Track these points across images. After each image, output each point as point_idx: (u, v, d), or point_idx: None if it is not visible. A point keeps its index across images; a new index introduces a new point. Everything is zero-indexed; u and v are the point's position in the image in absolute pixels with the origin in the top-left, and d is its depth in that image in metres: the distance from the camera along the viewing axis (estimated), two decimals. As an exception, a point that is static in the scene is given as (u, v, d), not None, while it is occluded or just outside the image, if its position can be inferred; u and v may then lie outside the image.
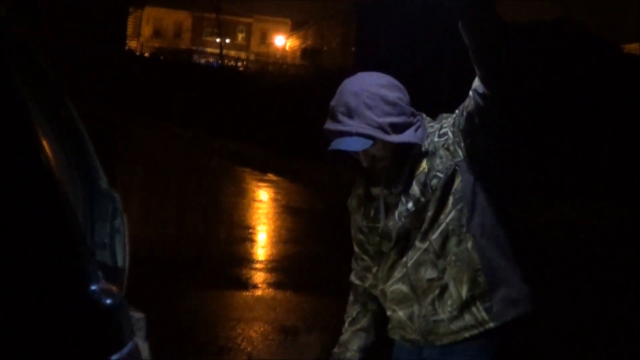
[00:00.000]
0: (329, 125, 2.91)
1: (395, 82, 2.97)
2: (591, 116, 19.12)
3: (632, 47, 31.91)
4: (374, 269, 3.19)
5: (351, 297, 3.33)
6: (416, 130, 2.93)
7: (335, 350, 3.28)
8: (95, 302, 1.77)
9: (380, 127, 2.83)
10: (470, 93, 2.78)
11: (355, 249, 3.26)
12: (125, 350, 1.78)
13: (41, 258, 1.76)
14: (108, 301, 1.78)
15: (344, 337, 3.28)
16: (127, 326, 1.87)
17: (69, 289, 1.77)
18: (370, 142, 2.84)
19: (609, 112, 18.97)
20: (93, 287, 1.78)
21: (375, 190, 3.06)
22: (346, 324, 3.30)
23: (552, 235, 12.30)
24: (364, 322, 3.28)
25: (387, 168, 2.95)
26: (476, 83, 2.74)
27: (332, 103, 2.92)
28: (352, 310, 3.31)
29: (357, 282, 3.30)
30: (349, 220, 3.25)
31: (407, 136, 2.89)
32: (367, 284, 3.26)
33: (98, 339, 1.76)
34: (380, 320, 3.27)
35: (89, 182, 2.89)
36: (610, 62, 21.33)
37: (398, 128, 2.88)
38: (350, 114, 2.85)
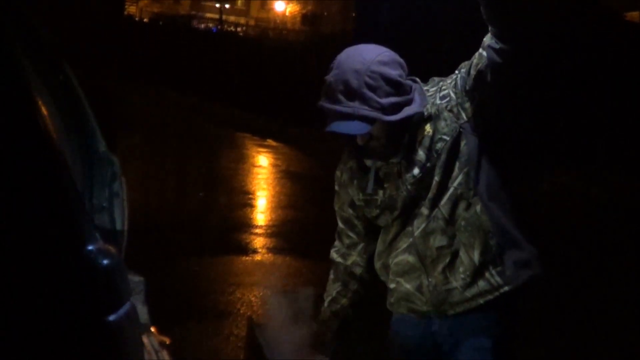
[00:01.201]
0: (327, 103, 2.79)
1: (396, 56, 2.86)
2: (592, 84, 19.05)
3: (634, 15, 31.72)
4: (360, 246, 3.15)
5: (332, 276, 3.25)
6: (412, 101, 2.86)
7: (317, 329, 3.19)
8: (92, 262, 1.77)
9: (382, 109, 2.75)
10: (482, 51, 2.71)
11: (341, 225, 3.18)
12: (122, 311, 1.78)
13: (37, 219, 1.76)
14: (105, 261, 1.79)
15: (324, 316, 3.20)
16: (125, 287, 1.87)
17: (66, 248, 1.77)
18: (371, 125, 2.76)
19: (610, 81, 18.89)
20: (90, 247, 1.79)
21: (368, 161, 2.99)
22: (326, 303, 3.22)
23: (552, 204, 12.30)
24: (343, 302, 3.19)
25: (384, 144, 2.86)
26: (488, 40, 2.66)
27: (330, 79, 2.79)
28: (332, 290, 3.22)
29: (338, 259, 3.22)
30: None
31: (404, 112, 2.82)
32: (349, 262, 3.19)
33: (95, 299, 1.76)
34: (361, 300, 3.22)
35: (88, 146, 2.89)
36: (612, 30, 21.21)
37: (399, 107, 2.80)
38: (350, 94, 2.74)
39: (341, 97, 2.75)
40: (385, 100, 2.76)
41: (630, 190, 13.55)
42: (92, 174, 2.88)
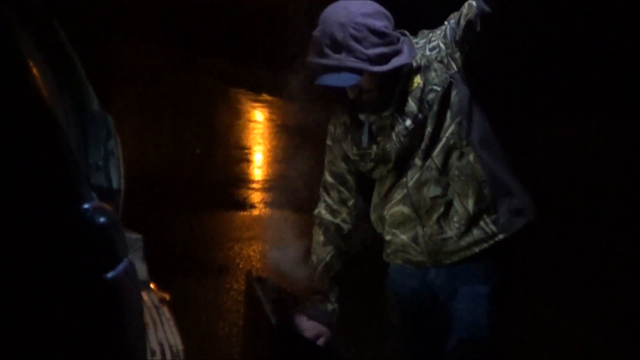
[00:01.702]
0: (314, 58, 2.83)
1: (381, 8, 2.89)
2: (589, 32, 18.98)
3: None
4: (351, 202, 3.15)
5: (321, 237, 3.22)
6: (401, 52, 2.87)
7: (313, 297, 3.18)
8: (88, 221, 1.78)
9: (369, 59, 2.77)
10: (472, 0, 2.72)
11: (331, 179, 3.18)
12: (120, 268, 1.80)
13: (33, 179, 1.77)
14: (102, 219, 1.80)
15: (322, 285, 3.17)
16: (122, 244, 1.88)
17: (62, 207, 1.78)
18: (359, 77, 2.79)
19: (611, 30, 18.81)
20: (86, 206, 1.80)
21: (362, 115, 3.00)
22: (321, 268, 3.18)
23: (550, 154, 12.28)
24: (339, 267, 3.18)
25: (376, 96, 2.89)
26: None
27: (316, 34, 2.83)
28: (325, 254, 3.19)
29: (327, 216, 3.20)
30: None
31: (393, 63, 2.84)
32: (338, 220, 3.17)
33: (92, 256, 1.78)
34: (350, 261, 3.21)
35: (81, 105, 2.89)
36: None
37: (385, 57, 2.82)
38: (336, 47, 2.77)
39: (328, 51, 2.79)
40: (371, 51, 2.78)
41: (629, 138, 13.54)
42: (87, 134, 2.88)
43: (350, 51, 2.76)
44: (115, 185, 2.90)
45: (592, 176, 10.99)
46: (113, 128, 2.98)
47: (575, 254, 7.31)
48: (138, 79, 18.46)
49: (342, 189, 3.16)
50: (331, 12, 2.84)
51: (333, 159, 3.16)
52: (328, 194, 3.21)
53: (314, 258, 3.23)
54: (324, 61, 2.79)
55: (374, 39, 2.79)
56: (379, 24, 2.82)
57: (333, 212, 3.19)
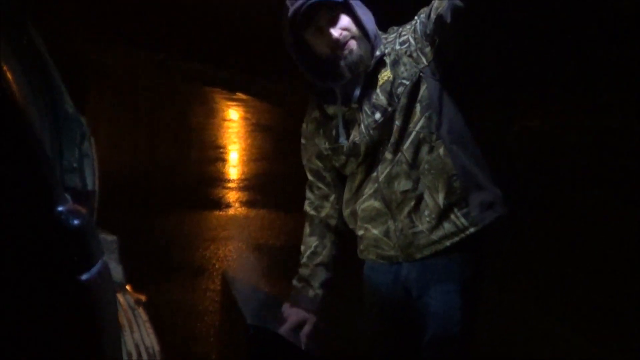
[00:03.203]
0: (294, 6, 2.87)
1: None
2: (562, 29, 19.07)
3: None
4: (332, 197, 3.15)
5: (307, 229, 3.21)
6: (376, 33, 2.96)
7: (296, 284, 3.17)
8: (62, 223, 1.79)
9: None
10: None
11: (310, 177, 3.19)
12: (94, 270, 1.80)
13: (5, 181, 1.77)
14: (76, 222, 1.80)
15: (304, 272, 3.16)
16: (96, 246, 1.89)
17: (36, 210, 1.78)
18: None
19: (580, 21, 18.90)
20: (60, 208, 1.80)
21: (331, 109, 3.02)
22: (305, 258, 3.18)
23: (522, 146, 12.35)
24: (324, 255, 3.16)
25: (352, 51, 2.90)
26: None
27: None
28: (311, 242, 3.18)
29: (312, 212, 3.20)
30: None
31: (370, 18, 2.93)
32: (323, 214, 3.17)
33: (66, 259, 1.78)
34: (340, 251, 3.21)
35: (55, 107, 2.89)
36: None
37: (362, 7, 2.91)
38: None
39: None
40: None
41: (604, 131, 13.62)
42: (61, 135, 2.88)
43: None
44: (89, 186, 2.90)
45: (569, 170, 11.05)
46: (87, 130, 2.97)
47: (554, 247, 7.35)
48: (113, 80, 18.41)
49: (321, 185, 3.17)
50: None
51: (309, 157, 3.17)
52: (311, 191, 3.21)
53: (302, 249, 3.23)
54: None
55: None
56: None
57: (316, 208, 3.20)
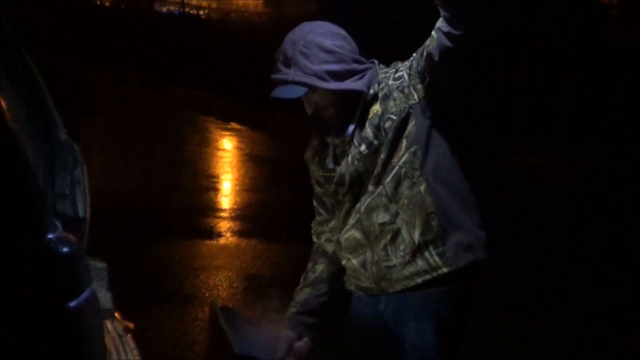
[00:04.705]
0: (272, 75, 2.95)
1: (339, 30, 2.98)
2: (555, 62, 19.17)
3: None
4: (331, 223, 3.18)
5: (311, 255, 3.32)
6: (361, 77, 2.95)
7: (291, 309, 3.24)
8: (52, 251, 1.80)
9: (316, 75, 2.87)
10: (434, 33, 2.76)
11: (314, 202, 3.25)
12: (82, 297, 1.81)
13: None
14: (65, 249, 1.81)
15: (295, 293, 3.27)
16: (85, 274, 1.90)
17: (26, 237, 1.79)
18: (305, 89, 2.88)
19: (572, 59, 19.02)
20: (50, 236, 1.81)
21: (328, 138, 3.06)
22: (301, 279, 3.29)
23: (516, 182, 12.39)
24: (312, 278, 3.24)
25: (333, 116, 2.96)
26: (440, 22, 2.72)
27: (275, 54, 2.96)
28: (307, 267, 3.29)
29: (315, 239, 3.29)
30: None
31: (347, 84, 2.92)
32: (322, 240, 3.24)
33: (55, 286, 1.79)
34: (334, 274, 3.24)
35: (48, 134, 2.90)
36: (573, 9, 21.34)
37: (337, 76, 2.90)
38: (287, 63, 2.90)
39: (280, 67, 2.92)
40: (317, 67, 2.88)
41: (594, 167, 13.69)
42: (54, 162, 2.89)
43: (297, 66, 2.88)
44: (80, 213, 2.91)
45: (557, 203, 11.10)
46: (80, 156, 2.99)
47: (542, 281, 7.37)
48: (108, 106, 18.44)
49: (321, 210, 3.23)
50: (290, 33, 2.98)
51: (313, 183, 3.23)
52: (317, 215, 3.28)
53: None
54: (277, 76, 2.92)
55: (322, 56, 2.89)
56: (330, 42, 2.91)
57: (317, 234, 3.27)
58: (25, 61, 2.88)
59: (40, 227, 1.81)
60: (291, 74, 2.88)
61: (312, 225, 3.31)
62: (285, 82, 2.89)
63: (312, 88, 2.89)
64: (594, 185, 12.32)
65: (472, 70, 2.83)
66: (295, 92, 2.89)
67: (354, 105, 2.97)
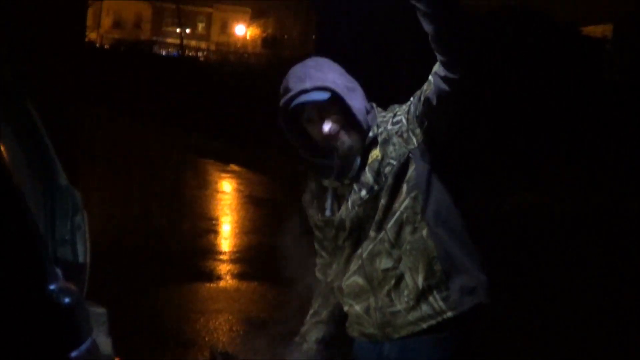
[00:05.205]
0: (283, 98, 2.92)
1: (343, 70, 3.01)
2: (550, 100, 19.26)
3: (590, 30, 32.17)
4: (333, 266, 3.17)
5: (316, 291, 3.29)
6: (367, 112, 2.96)
7: (296, 339, 3.23)
8: (54, 301, 1.79)
9: (334, 82, 2.89)
10: (430, 77, 2.77)
11: (315, 245, 3.23)
12: (83, 347, 1.81)
13: (1, 260, 1.78)
14: (66, 300, 1.81)
15: (303, 328, 3.24)
16: (86, 323, 1.89)
17: (28, 288, 1.79)
18: (328, 94, 2.87)
19: (568, 96, 19.11)
20: (51, 287, 1.81)
21: (326, 182, 3.04)
22: (308, 316, 3.26)
23: (517, 222, 12.38)
24: (324, 314, 3.23)
25: (343, 142, 2.93)
26: (437, 67, 2.73)
27: (282, 85, 2.95)
28: (315, 303, 3.26)
29: (320, 276, 3.26)
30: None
31: (360, 104, 2.94)
32: (329, 279, 3.21)
33: (57, 337, 1.79)
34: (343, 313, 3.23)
35: (49, 180, 2.91)
36: (568, 46, 21.50)
37: (351, 91, 2.92)
38: (300, 79, 2.90)
39: (293, 85, 2.91)
40: (331, 76, 2.91)
41: (594, 205, 13.70)
42: (54, 208, 2.89)
43: (314, 77, 2.90)
44: (81, 259, 2.91)
45: (554, 242, 11.09)
46: (80, 202, 2.99)
47: (542, 320, 7.35)
48: (107, 149, 18.46)
49: (323, 253, 3.21)
50: (292, 67, 3.00)
51: (312, 226, 3.20)
52: (319, 256, 3.26)
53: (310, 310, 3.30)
54: (292, 92, 2.90)
55: (335, 68, 2.97)
56: (339, 67, 2.99)
57: (323, 273, 3.26)
58: (25, 107, 2.89)
59: (42, 278, 1.81)
60: (308, 82, 2.88)
61: (317, 263, 3.27)
62: (304, 91, 2.87)
63: (332, 94, 2.87)
64: (594, 223, 12.33)
65: (467, 112, 2.84)
66: (315, 95, 2.88)
67: (360, 141, 2.95)
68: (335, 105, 2.90)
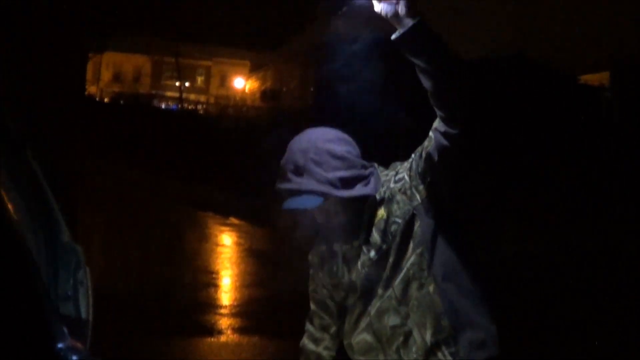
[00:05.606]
0: (280, 184, 2.91)
1: (344, 135, 2.98)
2: (549, 148, 19.33)
3: (588, 78, 32.39)
4: (333, 329, 3.17)
5: None
6: (368, 182, 2.94)
7: None
8: (62, 360, 1.77)
9: (330, 183, 2.84)
10: (431, 133, 2.78)
11: (314, 307, 3.21)
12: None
13: (7, 317, 1.76)
14: (74, 358, 1.79)
15: None
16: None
17: (37, 347, 1.77)
18: (321, 199, 2.85)
19: (566, 143, 19.18)
20: (60, 345, 1.79)
21: (335, 246, 3.05)
22: None
23: (516, 270, 12.36)
24: None
25: (343, 223, 2.94)
26: (437, 123, 2.74)
27: (282, 162, 2.92)
28: None
29: (310, 346, 3.21)
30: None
31: (358, 190, 2.90)
32: (320, 348, 3.19)
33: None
34: None
35: (52, 236, 2.89)
36: (566, 94, 21.63)
37: (348, 182, 2.88)
38: (299, 171, 2.86)
39: (291, 176, 2.88)
40: (332, 174, 2.86)
41: (594, 251, 13.69)
42: (57, 263, 2.88)
43: (311, 175, 2.85)
44: (83, 315, 2.88)
45: (558, 287, 11.07)
46: (82, 257, 2.97)
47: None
48: (107, 203, 18.46)
49: (323, 315, 3.19)
50: (296, 140, 2.95)
51: (315, 287, 3.19)
52: (311, 322, 3.23)
53: None
54: (288, 185, 2.87)
55: (335, 163, 2.87)
56: (340, 148, 2.90)
57: (315, 340, 3.21)
58: (30, 162, 2.89)
59: (50, 337, 1.79)
60: (304, 183, 2.85)
61: (308, 331, 3.24)
62: (298, 192, 2.85)
63: (326, 197, 2.85)
64: (595, 270, 12.31)
65: (470, 165, 2.84)
66: (308, 202, 2.86)
67: (362, 210, 2.95)
68: (328, 199, 2.89)
